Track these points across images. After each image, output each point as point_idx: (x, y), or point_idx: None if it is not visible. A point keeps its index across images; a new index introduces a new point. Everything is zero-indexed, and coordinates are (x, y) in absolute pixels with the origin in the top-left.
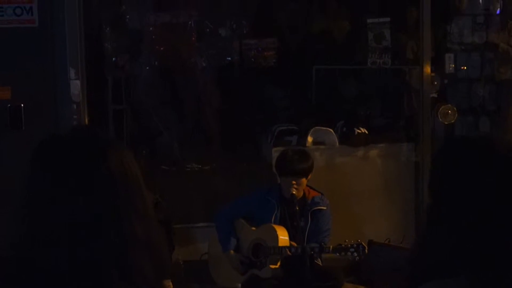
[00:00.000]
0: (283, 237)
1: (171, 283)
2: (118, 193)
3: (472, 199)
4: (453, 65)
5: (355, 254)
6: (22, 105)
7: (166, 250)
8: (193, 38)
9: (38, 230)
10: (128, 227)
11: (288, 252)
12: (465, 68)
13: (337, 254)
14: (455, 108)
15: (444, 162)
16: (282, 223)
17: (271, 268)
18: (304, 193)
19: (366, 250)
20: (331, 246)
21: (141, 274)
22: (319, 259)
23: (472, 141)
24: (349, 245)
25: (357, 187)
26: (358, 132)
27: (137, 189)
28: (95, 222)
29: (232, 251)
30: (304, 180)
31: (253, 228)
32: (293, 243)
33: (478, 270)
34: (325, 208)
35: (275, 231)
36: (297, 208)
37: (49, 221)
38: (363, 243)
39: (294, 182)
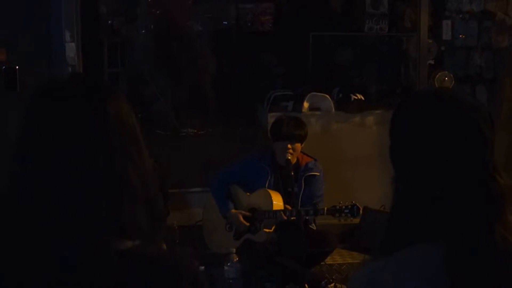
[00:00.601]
0: (277, 201)
1: (164, 245)
2: (114, 141)
3: (435, 159)
4: (450, 33)
5: (349, 215)
6: (17, 67)
7: (162, 206)
8: (190, 2)
9: (32, 176)
10: (124, 177)
11: (283, 216)
12: (463, 36)
13: (332, 215)
14: (451, 75)
15: (401, 125)
16: (275, 189)
17: (265, 232)
18: (297, 159)
19: (361, 211)
20: (325, 208)
21: (136, 226)
22: (313, 224)
23: (425, 99)
24: (343, 207)
25: (353, 153)
26: (354, 99)
27: (134, 139)
28: (90, 170)
29: (233, 210)
30: (298, 146)
31: (248, 194)
32: (288, 207)
33: (453, 232)
34: (318, 174)
35: (270, 196)
36: (292, 173)
37: (45, 167)
38: (357, 204)
39: (289, 146)
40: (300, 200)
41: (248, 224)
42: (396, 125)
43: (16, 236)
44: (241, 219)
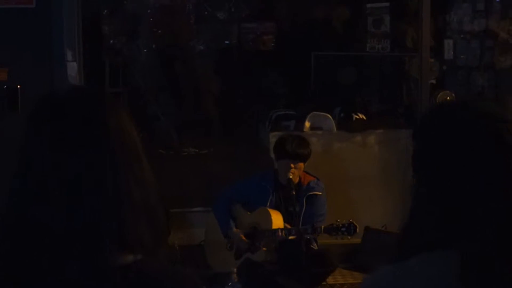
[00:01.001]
0: (277, 220)
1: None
2: (115, 154)
3: (458, 168)
4: (452, 52)
5: (346, 233)
6: (19, 86)
7: (164, 219)
8: (192, 21)
9: (32, 190)
10: (126, 190)
11: (281, 234)
12: (464, 57)
13: (328, 234)
14: (453, 95)
15: (425, 133)
16: (276, 208)
17: (264, 252)
18: (299, 178)
19: (357, 230)
20: (322, 226)
21: (138, 241)
22: (314, 244)
23: (451, 109)
24: (340, 225)
25: (355, 173)
26: (356, 118)
27: (135, 152)
28: (91, 183)
29: (235, 229)
30: (301, 165)
31: (248, 213)
32: (288, 226)
33: (466, 242)
34: (320, 193)
35: (269, 215)
36: (293, 192)
37: (46, 180)
38: (354, 223)
39: (292, 165)
40: (301, 219)
41: (247, 243)
42: (421, 132)
43: (15, 251)
44: (242, 237)
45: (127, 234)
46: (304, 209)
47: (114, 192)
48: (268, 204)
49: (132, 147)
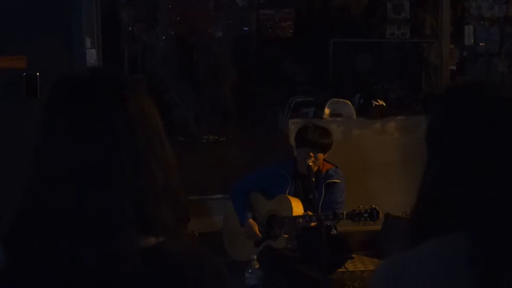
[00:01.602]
0: (297, 207)
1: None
2: (137, 137)
3: (472, 150)
4: (472, 38)
5: (368, 219)
6: (38, 74)
7: (186, 201)
8: (210, 8)
9: (53, 174)
10: (148, 173)
11: (302, 221)
12: (483, 44)
13: (351, 220)
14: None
15: (441, 111)
16: (295, 196)
17: (285, 238)
18: (318, 166)
19: (380, 215)
20: (344, 212)
21: (160, 222)
22: (334, 230)
23: (470, 87)
24: (362, 211)
25: (374, 159)
26: (375, 105)
27: (157, 135)
28: (113, 165)
29: (251, 220)
30: (321, 156)
31: (268, 200)
32: (309, 213)
33: (478, 225)
34: (338, 181)
35: (289, 202)
36: (313, 179)
37: (65, 164)
38: (376, 208)
39: (312, 154)
40: (320, 206)
41: (260, 236)
42: (437, 112)
43: (36, 235)
44: (256, 230)
45: (149, 217)
46: (323, 196)
47: (137, 174)
48: (287, 192)
49: (154, 129)
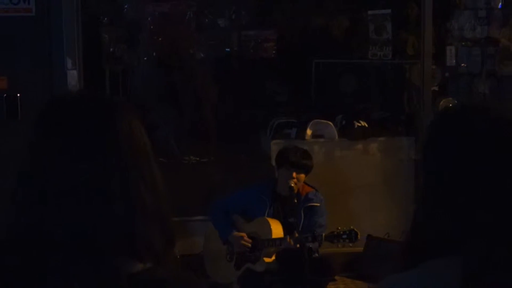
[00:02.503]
0: (277, 230)
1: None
2: (125, 158)
3: (465, 172)
4: (454, 59)
5: (347, 240)
6: (19, 95)
7: (173, 223)
8: (192, 29)
9: (40, 195)
10: (136, 195)
11: (282, 244)
12: (465, 65)
13: (330, 241)
14: (455, 102)
15: (436, 135)
16: (275, 219)
17: (266, 262)
18: (298, 189)
19: (359, 236)
20: (323, 234)
21: (149, 247)
22: (316, 254)
23: (465, 111)
24: (341, 232)
25: (356, 181)
26: (357, 126)
27: (145, 156)
28: (101, 188)
29: (236, 232)
30: (303, 177)
31: (247, 223)
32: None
33: (472, 249)
34: (318, 204)
35: (269, 224)
36: (295, 201)
37: (53, 186)
38: (355, 229)
39: (295, 175)
40: (300, 230)
41: (250, 245)
42: (431, 137)
43: (22, 258)
44: (246, 238)
45: (138, 241)
46: (302, 220)
47: (125, 198)
48: (266, 215)
49: (142, 151)
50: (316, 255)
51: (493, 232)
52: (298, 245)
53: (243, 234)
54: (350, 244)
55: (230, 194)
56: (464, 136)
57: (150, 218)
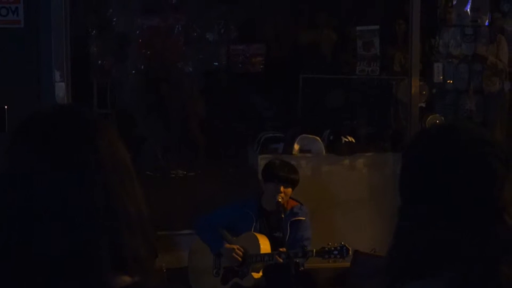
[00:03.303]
0: (264, 245)
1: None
2: (107, 174)
3: (442, 193)
4: (441, 76)
5: (338, 256)
6: (6, 107)
7: (155, 235)
8: (180, 43)
9: (22, 211)
10: (121, 208)
11: (270, 259)
12: (451, 82)
13: (321, 257)
14: (442, 118)
15: (413, 155)
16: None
17: (253, 277)
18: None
19: (350, 252)
20: (314, 250)
21: (136, 259)
22: (303, 268)
23: (439, 131)
24: (332, 248)
25: (343, 196)
26: (345, 141)
27: (126, 170)
28: (85, 204)
29: (227, 244)
30: (290, 191)
31: (234, 238)
32: (280, 250)
33: (454, 270)
34: (303, 218)
35: (257, 239)
36: (282, 215)
37: (35, 202)
38: (346, 245)
39: (282, 189)
40: (286, 244)
41: (241, 259)
42: (407, 158)
43: (6, 276)
44: (237, 251)
45: (125, 254)
46: (288, 234)
47: (109, 210)
48: (252, 230)
49: (123, 164)
50: (302, 268)
51: (468, 251)
52: (286, 260)
53: (235, 246)
54: (341, 260)
55: (215, 210)
56: (438, 154)
57: (134, 230)
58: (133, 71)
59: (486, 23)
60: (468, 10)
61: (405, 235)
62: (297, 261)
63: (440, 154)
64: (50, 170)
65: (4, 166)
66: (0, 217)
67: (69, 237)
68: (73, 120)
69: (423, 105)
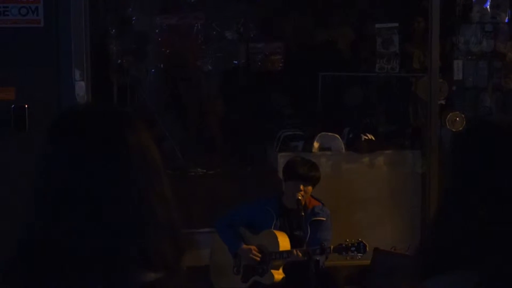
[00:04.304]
0: (284, 242)
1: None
2: (137, 172)
3: (488, 186)
4: (461, 73)
5: (356, 252)
6: (26, 106)
7: (184, 234)
8: (200, 41)
9: (55, 210)
10: (149, 208)
11: (289, 256)
12: (471, 79)
13: (338, 253)
14: (463, 115)
15: (470, 145)
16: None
17: (273, 275)
18: (304, 201)
19: (367, 248)
20: (331, 247)
21: (162, 258)
22: (323, 265)
23: (500, 126)
24: (349, 244)
25: (363, 194)
26: (364, 139)
27: (155, 169)
28: (113, 202)
29: (245, 245)
30: (310, 189)
31: (254, 235)
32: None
33: (489, 264)
34: (324, 219)
35: (276, 237)
36: (303, 214)
37: (66, 199)
38: (363, 241)
39: (302, 187)
40: (307, 244)
41: (259, 259)
42: (458, 152)
43: (37, 269)
44: (255, 251)
45: (151, 252)
46: (308, 234)
47: (137, 209)
48: (273, 228)
49: (153, 163)
50: (322, 266)
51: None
52: (305, 258)
53: (253, 247)
54: (359, 256)
55: (236, 207)
56: (483, 151)
57: (162, 229)
58: (153, 70)
59: (506, 20)
60: (488, 7)
61: (447, 225)
62: (317, 259)
63: (492, 147)
64: (80, 170)
65: (39, 163)
66: (36, 212)
67: (95, 232)
68: (103, 118)
69: (443, 102)
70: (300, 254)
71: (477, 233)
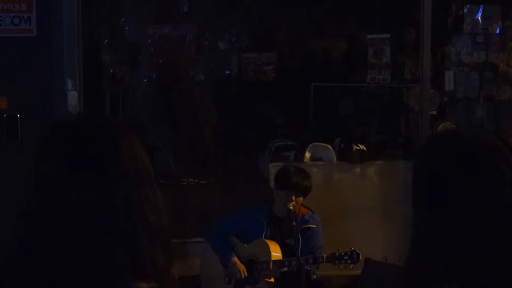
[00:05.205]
0: (275, 251)
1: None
2: (129, 181)
3: (454, 201)
4: (452, 84)
5: (349, 261)
6: (19, 115)
7: (172, 243)
8: (192, 51)
9: (47, 219)
10: (141, 216)
11: (282, 267)
12: (462, 89)
13: (331, 263)
14: (454, 126)
15: (422, 164)
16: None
17: (265, 283)
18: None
19: (360, 257)
20: (324, 256)
21: (154, 266)
22: (314, 275)
23: (445, 138)
24: (342, 253)
25: (354, 204)
26: (356, 149)
27: (147, 178)
28: (107, 211)
29: (235, 258)
30: (301, 199)
31: (245, 245)
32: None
33: (469, 277)
34: (314, 226)
35: (268, 246)
36: (294, 223)
37: (60, 210)
38: (356, 250)
39: (294, 197)
40: (298, 253)
41: (247, 274)
42: (417, 166)
43: (27, 278)
44: (242, 267)
45: (143, 261)
46: (300, 242)
47: (130, 218)
48: (263, 237)
49: (145, 172)
50: (314, 277)
51: (481, 265)
52: (296, 268)
53: (242, 266)
54: (351, 266)
55: (227, 217)
56: (447, 162)
57: (154, 237)
58: (145, 80)
59: (497, 31)
60: (479, 18)
61: (420, 245)
62: (308, 268)
63: (450, 161)
64: (73, 179)
65: (30, 173)
66: (24, 221)
67: (87, 241)
68: (96, 129)
69: (434, 112)
70: (292, 264)
71: (448, 253)
